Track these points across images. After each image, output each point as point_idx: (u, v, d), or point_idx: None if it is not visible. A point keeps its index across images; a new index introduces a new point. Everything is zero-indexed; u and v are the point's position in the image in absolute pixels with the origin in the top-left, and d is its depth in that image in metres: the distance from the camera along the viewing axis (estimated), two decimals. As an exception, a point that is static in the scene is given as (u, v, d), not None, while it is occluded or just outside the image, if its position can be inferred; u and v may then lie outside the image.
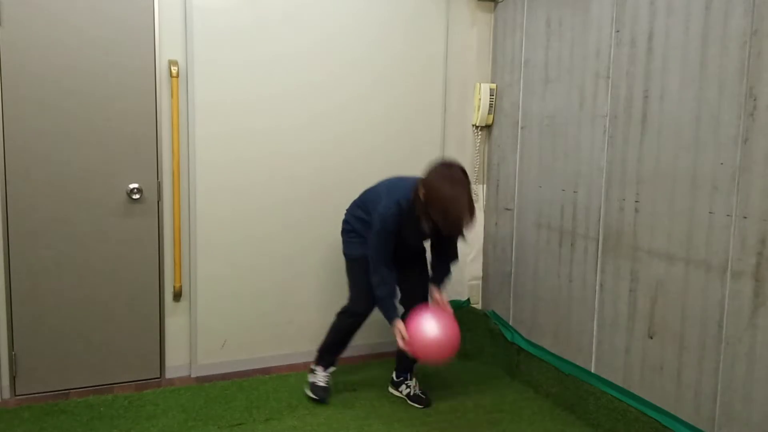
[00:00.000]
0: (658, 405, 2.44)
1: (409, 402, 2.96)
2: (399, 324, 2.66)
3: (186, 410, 2.82)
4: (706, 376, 2.25)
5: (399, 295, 2.87)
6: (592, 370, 2.77)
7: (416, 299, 2.90)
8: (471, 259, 3.51)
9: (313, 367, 3.02)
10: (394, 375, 3.08)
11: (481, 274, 3.55)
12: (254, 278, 3.27)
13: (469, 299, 3.53)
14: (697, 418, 2.29)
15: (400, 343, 2.65)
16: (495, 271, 3.45)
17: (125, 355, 3.10)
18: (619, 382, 2.63)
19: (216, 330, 3.23)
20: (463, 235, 2.67)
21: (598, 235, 2.72)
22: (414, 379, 3.04)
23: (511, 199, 3.29)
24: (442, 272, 2.88)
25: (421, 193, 2.56)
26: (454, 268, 3.00)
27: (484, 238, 3.53)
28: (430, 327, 2.59)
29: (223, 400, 2.92)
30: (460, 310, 3.54)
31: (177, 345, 3.19)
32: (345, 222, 2.95)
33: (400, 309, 2.82)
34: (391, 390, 3.08)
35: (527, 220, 3.18)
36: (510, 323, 3.33)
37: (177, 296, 3.15)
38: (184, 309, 3.19)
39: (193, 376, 3.21)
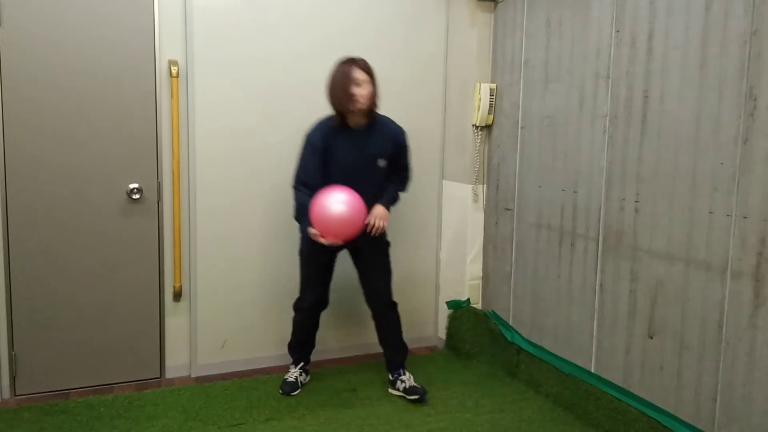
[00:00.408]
0: (658, 405, 2.44)
1: (407, 397, 2.97)
2: (311, 229, 2.69)
3: (186, 410, 2.82)
4: (706, 376, 2.25)
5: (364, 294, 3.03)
6: (592, 370, 2.77)
7: (379, 296, 2.99)
8: (471, 259, 3.51)
9: (290, 366, 3.13)
10: (389, 375, 3.10)
11: (481, 274, 3.55)
12: (254, 278, 3.27)
13: (469, 299, 3.53)
14: (697, 418, 2.29)
15: (321, 240, 2.67)
16: (495, 271, 3.45)
17: (125, 355, 3.10)
18: (619, 382, 2.63)
19: (216, 330, 3.23)
20: (406, 158, 2.87)
21: (598, 235, 2.72)
22: (407, 373, 3.06)
23: (511, 199, 3.29)
24: (388, 189, 2.92)
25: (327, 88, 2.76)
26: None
27: (484, 238, 3.53)
28: (333, 207, 2.60)
29: (223, 400, 2.92)
30: (460, 310, 3.54)
31: (177, 345, 3.19)
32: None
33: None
34: (390, 390, 3.08)
35: (527, 220, 3.18)
36: (510, 323, 3.33)
37: (177, 296, 3.15)
38: (184, 309, 3.19)
39: (193, 376, 3.21)
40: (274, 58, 3.18)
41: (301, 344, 3.10)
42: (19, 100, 2.80)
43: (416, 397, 2.94)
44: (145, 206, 3.05)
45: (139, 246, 3.06)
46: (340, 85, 2.73)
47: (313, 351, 3.17)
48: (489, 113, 3.38)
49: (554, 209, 2.98)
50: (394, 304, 3.07)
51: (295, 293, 3.29)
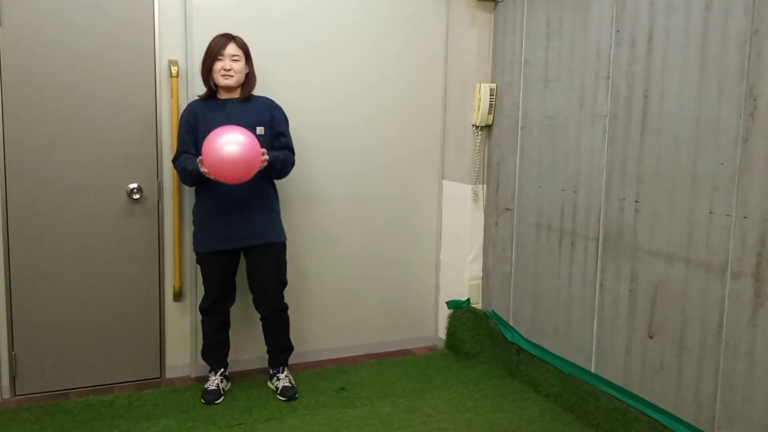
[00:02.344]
0: (658, 405, 2.44)
1: (278, 397, 2.96)
2: (198, 159, 2.64)
3: (186, 410, 2.82)
4: (706, 376, 2.25)
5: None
6: (592, 370, 2.77)
7: (268, 295, 2.94)
8: (471, 259, 3.51)
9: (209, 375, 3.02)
10: (270, 369, 3.08)
11: (481, 274, 3.55)
12: (254, 278, 3.27)
13: (469, 299, 3.53)
14: (697, 418, 2.29)
15: (203, 170, 2.61)
16: (495, 271, 3.45)
17: (125, 355, 3.10)
18: (619, 382, 2.63)
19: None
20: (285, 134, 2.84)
21: (598, 235, 2.72)
22: (286, 371, 3.04)
23: (511, 199, 3.29)
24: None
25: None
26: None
27: (484, 238, 3.53)
28: (225, 145, 2.51)
29: (224, 400, 2.92)
30: (460, 310, 3.54)
31: (177, 345, 3.19)
32: None
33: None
34: (269, 383, 3.08)
35: (527, 220, 3.18)
36: (510, 323, 3.33)
37: (177, 296, 3.15)
38: (184, 309, 3.19)
39: (193, 376, 3.21)
40: (273, 58, 3.18)
41: (214, 346, 2.97)
42: (19, 100, 2.80)
43: (285, 399, 2.93)
44: (145, 206, 3.05)
45: (139, 246, 3.06)
46: (210, 59, 2.78)
47: (313, 351, 3.16)
48: (489, 113, 3.38)
49: (554, 209, 2.98)
50: (286, 307, 3.02)
51: (295, 293, 3.30)
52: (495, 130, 3.42)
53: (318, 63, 3.28)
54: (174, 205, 3.08)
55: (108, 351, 3.07)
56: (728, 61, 2.13)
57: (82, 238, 2.96)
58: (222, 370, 3.02)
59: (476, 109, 3.38)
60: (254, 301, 2.99)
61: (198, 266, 2.98)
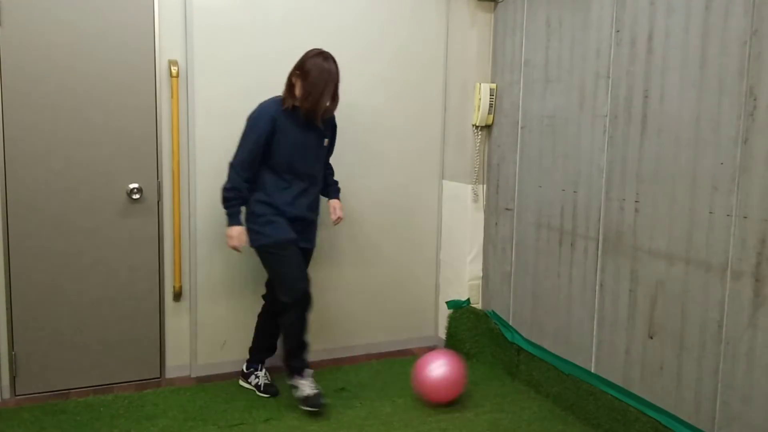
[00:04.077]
0: (658, 405, 2.44)
1: (258, 393, 2.98)
2: (235, 230, 2.75)
3: (186, 410, 2.82)
4: (706, 376, 2.25)
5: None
6: (592, 370, 2.77)
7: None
8: (471, 259, 3.51)
9: (291, 382, 2.86)
10: (244, 366, 3.08)
11: (481, 274, 3.55)
12: (254, 278, 3.26)
13: (469, 299, 3.53)
14: (697, 418, 2.29)
15: (230, 243, 2.76)
16: (495, 271, 3.45)
17: (125, 355, 3.10)
18: (619, 382, 2.63)
19: (216, 330, 3.23)
20: (322, 115, 2.76)
21: (598, 235, 2.72)
22: (264, 370, 3.05)
23: (511, 199, 3.29)
24: (333, 185, 3.10)
25: (294, 75, 2.75)
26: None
27: (484, 238, 3.53)
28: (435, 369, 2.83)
29: (223, 400, 2.92)
30: (460, 309, 3.54)
31: (177, 345, 3.19)
32: (245, 214, 2.85)
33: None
34: (241, 382, 3.08)
35: (527, 220, 3.18)
36: (510, 323, 3.33)
37: (177, 296, 3.15)
38: (184, 309, 3.19)
39: (193, 376, 3.21)
40: (273, 57, 3.18)
41: (303, 347, 2.86)
42: (19, 99, 2.80)
43: (267, 395, 2.96)
44: (145, 206, 3.05)
45: (139, 246, 3.06)
46: (319, 91, 2.70)
47: (313, 351, 3.16)
48: (489, 113, 3.38)
49: (554, 209, 2.98)
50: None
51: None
52: (495, 130, 3.42)
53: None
54: (174, 205, 3.08)
55: (108, 351, 3.07)
56: (728, 61, 2.13)
57: (82, 238, 2.96)
58: (309, 371, 2.91)
59: (476, 109, 3.38)
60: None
61: (271, 261, 2.82)
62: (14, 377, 2.94)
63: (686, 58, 2.28)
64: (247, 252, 3.25)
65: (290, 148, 2.78)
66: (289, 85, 2.78)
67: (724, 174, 2.15)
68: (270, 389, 2.99)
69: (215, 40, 3.06)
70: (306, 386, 2.81)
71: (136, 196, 3.01)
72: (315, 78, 2.69)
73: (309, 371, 2.90)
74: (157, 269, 3.11)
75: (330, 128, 2.99)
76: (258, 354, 3.07)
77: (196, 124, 3.07)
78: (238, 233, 2.77)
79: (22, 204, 2.86)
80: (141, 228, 3.06)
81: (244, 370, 3.08)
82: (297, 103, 2.76)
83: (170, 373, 3.19)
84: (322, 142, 2.92)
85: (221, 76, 3.09)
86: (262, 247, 2.81)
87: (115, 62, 2.93)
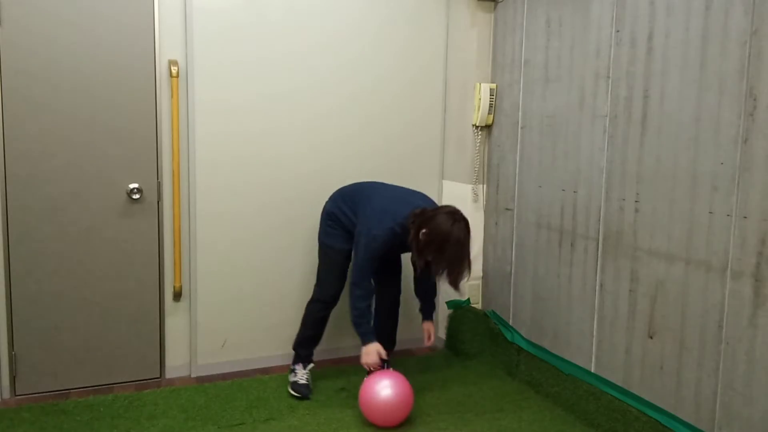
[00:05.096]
0: (658, 405, 2.44)
1: (288, 389, 3.00)
2: (372, 346, 2.76)
3: (186, 410, 2.82)
4: (706, 376, 2.25)
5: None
6: (592, 370, 2.77)
7: (387, 296, 3.10)
8: (471, 259, 3.51)
9: (292, 366, 3.06)
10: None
11: (481, 274, 3.55)
12: (254, 278, 3.27)
13: (469, 299, 3.53)
14: (697, 418, 2.29)
15: (368, 360, 2.76)
16: (495, 271, 3.45)
17: (125, 355, 3.10)
18: (619, 382, 2.63)
19: (216, 330, 3.23)
20: (456, 288, 2.71)
21: (598, 235, 2.72)
22: (304, 370, 3.05)
23: (511, 199, 3.29)
24: (429, 304, 3.09)
25: (422, 234, 2.59)
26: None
27: (484, 238, 3.53)
28: (385, 393, 2.68)
29: (223, 400, 2.92)
30: (460, 309, 3.54)
31: (177, 345, 3.19)
32: (328, 210, 3.00)
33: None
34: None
35: (527, 220, 3.18)
36: (510, 323, 3.33)
37: (177, 296, 3.15)
38: (184, 309, 3.19)
39: (193, 376, 3.21)
40: (273, 58, 3.18)
41: (312, 340, 3.05)
42: (19, 99, 2.80)
43: (297, 395, 2.96)
44: (145, 206, 3.05)
45: (139, 246, 3.06)
46: (458, 268, 2.60)
47: (313, 351, 3.17)
48: (489, 113, 3.38)
49: (554, 209, 2.98)
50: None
51: (296, 293, 3.30)
52: (495, 130, 3.42)
53: (318, 63, 3.28)
54: (174, 205, 3.08)
55: (108, 351, 3.07)
56: (728, 61, 2.13)
57: (81, 238, 2.96)
58: (311, 365, 3.05)
59: (476, 109, 3.38)
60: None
61: (322, 259, 3.02)
62: (14, 377, 2.93)
63: (686, 58, 2.28)
64: (248, 252, 3.26)
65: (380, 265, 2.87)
66: (416, 238, 2.63)
67: (724, 174, 2.15)
68: (300, 388, 2.99)
69: (215, 41, 3.05)
70: (302, 375, 3.00)
71: (136, 196, 3.01)
72: (446, 266, 2.59)
73: (311, 365, 3.06)
74: (157, 269, 3.11)
75: None
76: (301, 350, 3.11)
77: (196, 124, 3.07)
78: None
79: (21, 204, 2.85)
80: (141, 228, 3.05)
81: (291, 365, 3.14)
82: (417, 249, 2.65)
83: (170, 373, 3.19)
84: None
85: (221, 76, 3.09)
86: (322, 243, 3.02)
87: (115, 62, 2.92)
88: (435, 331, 3.09)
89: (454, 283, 2.65)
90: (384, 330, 3.12)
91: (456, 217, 2.60)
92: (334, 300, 3.02)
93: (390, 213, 2.72)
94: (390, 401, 2.66)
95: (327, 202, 3.06)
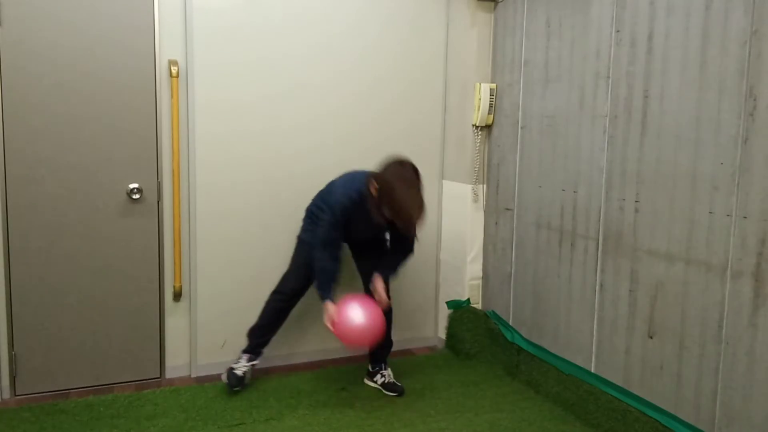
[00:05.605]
0: (658, 405, 2.44)
1: (384, 391, 3.04)
2: (329, 305, 2.77)
3: (186, 410, 2.82)
4: (706, 376, 2.25)
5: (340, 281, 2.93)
6: (592, 370, 2.77)
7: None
8: (471, 259, 3.51)
9: (240, 354, 3.05)
10: (369, 366, 3.14)
11: (481, 274, 3.55)
12: (254, 278, 3.26)
13: (469, 299, 3.53)
14: (697, 418, 2.29)
15: (327, 324, 2.76)
16: (495, 271, 3.45)
17: (125, 355, 3.10)
18: (619, 382, 2.63)
19: (216, 330, 3.23)
20: (414, 234, 2.80)
21: (598, 235, 2.72)
22: (389, 369, 3.11)
23: (511, 199, 3.29)
24: (389, 262, 3.01)
25: (374, 189, 2.68)
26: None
27: (484, 238, 3.53)
28: (355, 315, 2.71)
29: (223, 400, 2.92)
30: (460, 310, 3.54)
31: (177, 345, 3.19)
32: (308, 209, 3.07)
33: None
34: (366, 381, 3.14)
35: (527, 220, 3.18)
36: (510, 323, 3.33)
37: (177, 296, 3.15)
38: (184, 309, 3.19)
39: (193, 376, 3.21)
40: (273, 58, 3.18)
41: (266, 328, 3.05)
42: (19, 99, 2.80)
43: (393, 394, 3.01)
44: (145, 206, 3.05)
45: (139, 246, 3.06)
46: (401, 210, 2.62)
47: (313, 351, 3.17)
48: (489, 113, 3.38)
49: (554, 209, 2.98)
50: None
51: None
52: (495, 130, 3.42)
53: (318, 63, 3.28)
54: (174, 205, 3.08)
55: (108, 351, 3.07)
56: (728, 61, 2.13)
57: (82, 238, 2.96)
58: (255, 361, 3.06)
59: (476, 109, 3.38)
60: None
61: (293, 254, 3.05)
62: (14, 377, 2.93)
63: (686, 58, 2.28)
64: (248, 251, 3.26)
65: (350, 235, 2.94)
66: (371, 195, 2.71)
67: (724, 174, 2.15)
68: (396, 388, 3.04)
69: (215, 41, 3.05)
70: (242, 367, 3.01)
71: (136, 196, 3.01)
72: (396, 209, 2.62)
73: (255, 362, 3.06)
74: (157, 269, 3.11)
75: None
76: (378, 353, 3.11)
77: (196, 124, 3.07)
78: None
79: (22, 204, 2.85)
80: (141, 228, 3.05)
81: (370, 370, 3.14)
82: (377, 207, 2.70)
83: (170, 373, 3.19)
84: (382, 233, 2.95)
85: (221, 76, 3.09)
86: (298, 239, 3.06)
87: (115, 62, 2.92)
88: (387, 295, 2.91)
89: (406, 227, 2.69)
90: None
91: (403, 163, 2.72)
92: (294, 294, 3.02)
93: (350, 183, 2.84)
94: (361, 320, 2.71)
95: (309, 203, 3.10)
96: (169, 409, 2.82)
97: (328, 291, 2.80)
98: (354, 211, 2.79)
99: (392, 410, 2.87)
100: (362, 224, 2.83)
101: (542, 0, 3.03)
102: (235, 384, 2.97)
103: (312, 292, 3.06)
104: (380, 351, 3.10)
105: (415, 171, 2.72)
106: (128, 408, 2.83)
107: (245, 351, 3.06)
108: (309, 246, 2.94)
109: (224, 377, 3.00)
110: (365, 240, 3.02)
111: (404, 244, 2.97)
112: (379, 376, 3.09)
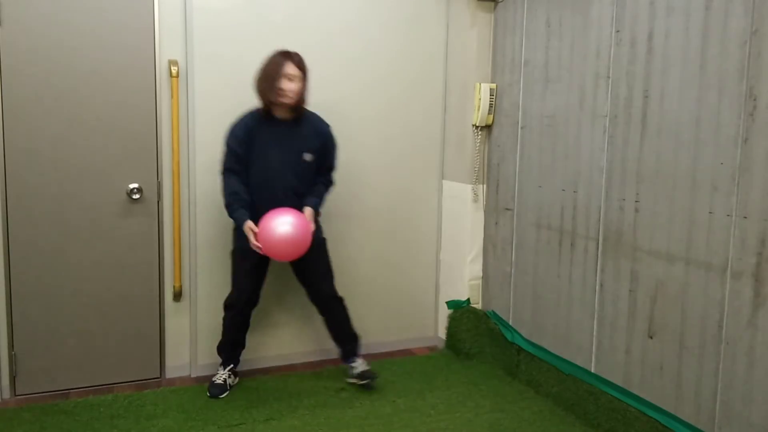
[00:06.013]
0: (658, 405, 2.44)
1: (359, 383, 3.05)
2: (249, 224, 2.74)
3: (186, 410, 2.82)
4: (706, 376, 2.25)
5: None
6: (592, 370, 2.77)
7: (322, 295, 3.05)
8: (471, 259, 3.51)
9: (218, 368, 3.08)
10: (347, 366, 3.14)
11: (481, 274, 3.55)
12: (254, 278, 3.26)
13: (469, 299, 3.53)
14: (697, 418, 2.29)
15: (253, 243, 2.72)
16: (495, 271, 3.45)
17: (125, 355, 3.10)
18: (619, 382, 2.63)
19: (216, 330, 3.22)
20: (334, 162, 2.95)
21: (598, 235, 2.72)
22: (359, 359, 3.11)
23: (511, 199, 3.29)
24: (314, 192, 2.96)
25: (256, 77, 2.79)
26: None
27: (484, 238, 3.53)
28: (279, 223, 2.68)
29: (223, 400, 2.92)
30: (460, 310, 3.54)
31: (177, 345, 3.19)
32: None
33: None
34: (348, 381, 3.13)
35: (527, 220, 3.18)
36: (510, 323, 3.33)
37: (177, 296, 3.15)
38: (184, 309, 3.19)
39: (193, 376, 3.21)
40: (274, 58, 3.18)
41: (232, 344, 3.05)
42: (19, 100, 2.80)
43: (366, 381, 3.02)
44: (145, 206, 3.05)
45: (139, 246, 3.06)
46: (269, 78, 2.76)
47: (312, 351, 3.17)
48: (489, 113, 3.38)
49: (554, 209, 2.98)
50: (340, 299, 3.09)
51: (295, 293, 3.29)
52: (495, 130, 3.42)
53: (318, 63, 3.27)
54: (174, 205, 3.08)
55: (108, 351, 3.07)
56: (728, 61, 2.13)
57: (81, 238, 2.96)
58: (232, 366, 3.05)
59: (476, 109, 3.38)
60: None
61: (233, 263, 2.99)
62: (14, 377, 2.94)
63: (686, 58, 2.28)
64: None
65: (262, 160, 2.88)
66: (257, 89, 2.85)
67: (724, 174, 2.15)
68: (367, 374, 3.06)
69: (215, 40, 3.06)
70: (220, 376, 3.01)
71: (136, 196, 3.01)
72: (264, 72, 2.79)
73: (231, 365, 3.06)
74: (157, 269, 3.11)
75: (316, 141, 2.94)
76: (347, 349, 3.14)
77: (195, 124, 3.07)
78: None
79: (22, 204, 2.85)
80: (141, 228, 3.06)
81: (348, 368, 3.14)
82: (260, 103, 2.81)
83: (170, 373, 3.19)
84: (300, 155, 2.89)
85: (221, 76, 3.09)
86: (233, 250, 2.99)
87: (115, 62, 2.93)
88: (313, 227, 2.84)
89: (281, 91, 2.75)
90: (335, 327, 3.10)
91: (284, 50, 2.83)
92: (245, 304, 2.98)
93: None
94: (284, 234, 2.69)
95: None
96: (169, 409, 2.82)
97: (243, 213, 2.77)
98: (256, 132, 2.81)
99: (392, 410, 2.87)
100: (273, 145, 2.83)
101: (542, 0, 3.03)
102: (219, 393, 2.95)
103: (290, 295, 3.07)
104: (347, 347, 3.11)
105: (299, 56, 2.82)
106: (128, 408, 2.83)
107: (221, 365, 3.07)
108: (233, 252, 2.95)
109: (208, 392, 2.97)
110: (287, 171, 2.88)
111: (326, 176, 3.02)
112: (350, 370, 3.09)
